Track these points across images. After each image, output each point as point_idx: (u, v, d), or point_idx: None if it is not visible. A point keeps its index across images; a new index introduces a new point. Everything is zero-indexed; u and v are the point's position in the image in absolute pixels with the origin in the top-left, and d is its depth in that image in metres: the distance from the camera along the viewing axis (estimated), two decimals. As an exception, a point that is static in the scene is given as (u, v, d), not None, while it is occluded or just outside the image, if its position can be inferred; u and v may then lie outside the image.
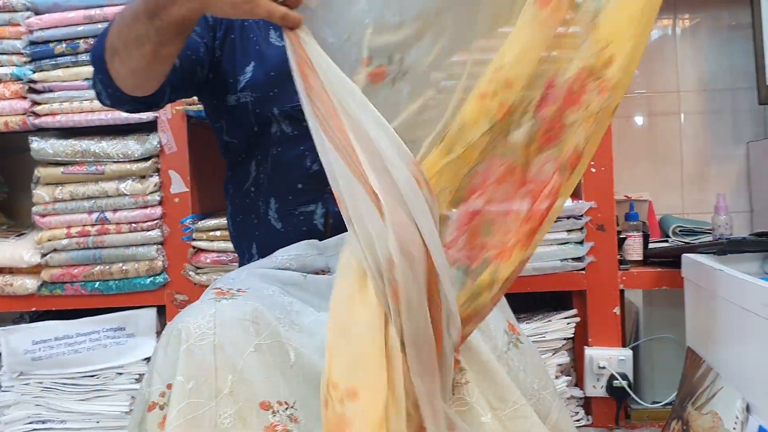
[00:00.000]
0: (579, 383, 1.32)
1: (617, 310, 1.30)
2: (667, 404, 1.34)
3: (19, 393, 1.13)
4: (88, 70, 1.26)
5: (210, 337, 0.80)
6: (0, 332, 1.15)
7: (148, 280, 1.21)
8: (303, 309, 0.88)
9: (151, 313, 1.20)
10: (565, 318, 1.31)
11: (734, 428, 1.06)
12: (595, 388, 1.29)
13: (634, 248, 1.36)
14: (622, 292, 1.32)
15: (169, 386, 0.77)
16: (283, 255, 0.95)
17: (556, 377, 1.30)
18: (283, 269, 0.94)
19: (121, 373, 1.14)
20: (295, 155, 0.96)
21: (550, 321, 1.31)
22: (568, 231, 1.28)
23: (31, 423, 1.12)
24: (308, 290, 0.92)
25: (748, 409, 1.05)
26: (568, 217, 1.27)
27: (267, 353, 0.82)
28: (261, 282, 0.89)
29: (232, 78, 0.95)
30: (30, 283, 1.20)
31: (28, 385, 1.13)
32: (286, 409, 0.89)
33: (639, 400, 1.31)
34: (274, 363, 0.82)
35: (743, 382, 1.05)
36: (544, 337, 1.30)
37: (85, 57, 1.29)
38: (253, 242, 1.03)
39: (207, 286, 1.08)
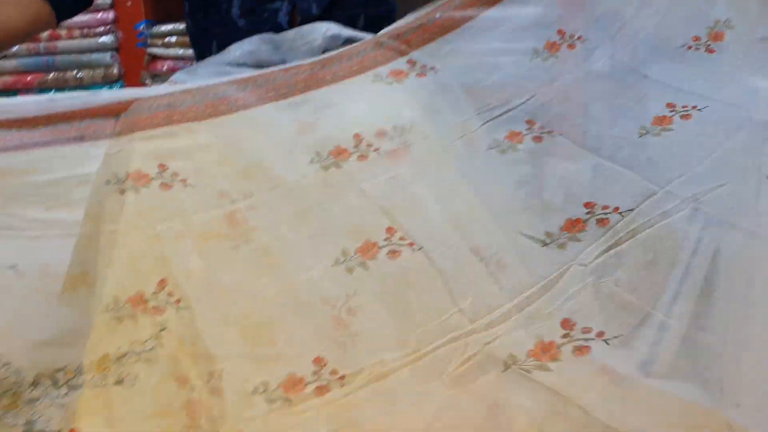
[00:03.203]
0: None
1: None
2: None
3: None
4: None
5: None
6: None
7: (105, 88, 1.19)
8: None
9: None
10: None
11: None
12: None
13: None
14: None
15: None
16: (238, 50, 0.95)
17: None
18: (238, 65, 0.95)
19: (83, 182, 1.14)
20: None
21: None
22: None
23: (-5, 230, 1.13)
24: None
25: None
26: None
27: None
28: (215, 79, 0.91)
29: None
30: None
31: (-11, 195, 1.13)
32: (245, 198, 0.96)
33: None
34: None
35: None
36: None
37: None
38: (213, 40, 1.02)
39: (164, 95, 1.07)
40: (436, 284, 1.01)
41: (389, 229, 1.04)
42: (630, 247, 1.00)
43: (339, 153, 1.08)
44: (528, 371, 0.97)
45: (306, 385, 0.98)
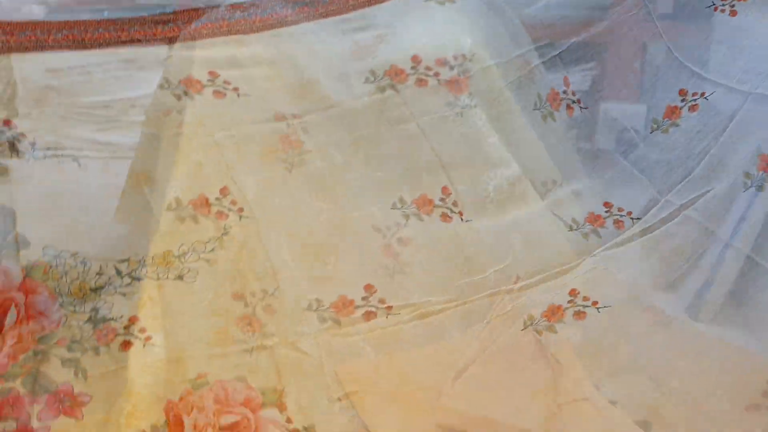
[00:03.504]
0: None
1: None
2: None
3: (37, 121, 1.14)
4: None
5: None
6: (13, 59, 1.14)
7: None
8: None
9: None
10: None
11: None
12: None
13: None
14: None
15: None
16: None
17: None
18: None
19: (134, 106, 1.14)
20: None
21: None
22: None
23: (50, 149, 1.14)
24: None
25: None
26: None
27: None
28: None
29: None
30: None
31: (44, 113, 1.14)
32: (298, 122, 0.97)
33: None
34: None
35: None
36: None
37: None
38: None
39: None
40: (479, 247, 1.09)
41: (444, 189, 1.08)
42: (635, 246, 1.14)
43: (396, 74, 1.08)
44: (539, 333, 1.08)
45: (355, 308, 1.02)
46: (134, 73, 1.15)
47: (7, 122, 1.00)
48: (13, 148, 1.02)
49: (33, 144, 1.06)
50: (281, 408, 1.01)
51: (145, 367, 0.99)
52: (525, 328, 1.08)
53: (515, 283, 1.09)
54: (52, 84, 1.13)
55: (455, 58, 1.06)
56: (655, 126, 1.18)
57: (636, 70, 1.25)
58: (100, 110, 1.12)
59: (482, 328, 1.06)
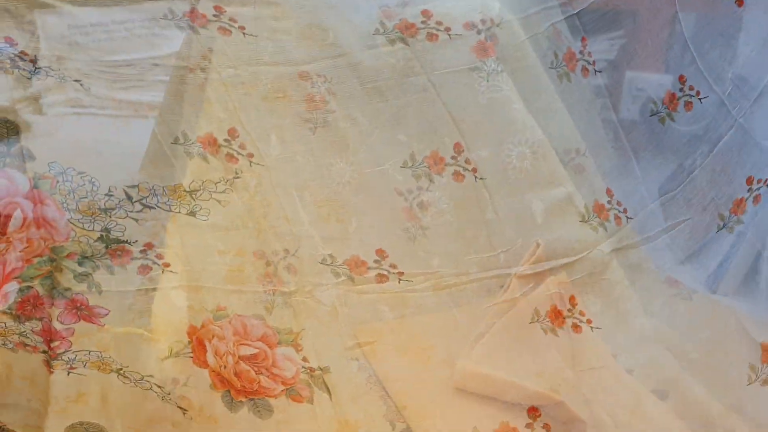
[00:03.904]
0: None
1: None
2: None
3: (59, 77, 1.14)
4: None
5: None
6: (36, 15, 1.15)
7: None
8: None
9: (184, 4, 1.18)
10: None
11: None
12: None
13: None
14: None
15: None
16: None
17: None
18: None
19: (157, 65, 1.14)
20: None
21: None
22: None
23: (72, 107, 1.14)
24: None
25: None
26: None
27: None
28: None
29: None
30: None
31: (67, 70, 1.15)
32: (324, 82, 0.96)
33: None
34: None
35: None
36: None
37: None
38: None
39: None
40: (488, 221, 1.08)
41: (457, 146, 1.05)
42: (622, 260, 1.14)
43: (406, 27, 1.04)
44: (544, 332, 1.08)
45: (368, 269, 1.02)
46: (158, 32, 1.15)
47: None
48: (35, 104, 1.03)
49: (55, 101, 1.06)
50: (297, 348, 1.04)
51: (165, 292, 1.01)
52: (532, 322, 1.07)
53: (523, 264, 1.08)
54: (74, 41, 1.13)
55: (483, 22, 1.03)
56: (654, 110, 1.15)
57: (663, 40, 1.21)
58: (123, 69, 1.12)
59: (492, 309, 1.06)
